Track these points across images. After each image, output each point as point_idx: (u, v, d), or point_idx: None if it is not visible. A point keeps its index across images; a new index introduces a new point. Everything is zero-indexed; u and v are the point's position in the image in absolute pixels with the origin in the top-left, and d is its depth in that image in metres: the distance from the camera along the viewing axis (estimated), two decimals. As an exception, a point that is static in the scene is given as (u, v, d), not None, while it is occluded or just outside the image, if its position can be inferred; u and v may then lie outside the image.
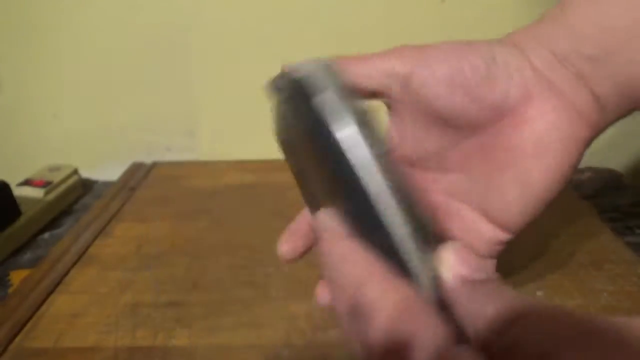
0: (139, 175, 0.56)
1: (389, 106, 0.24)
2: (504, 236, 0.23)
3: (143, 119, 0.59)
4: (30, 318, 0.33)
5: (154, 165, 0.59)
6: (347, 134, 0.16)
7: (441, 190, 0.25)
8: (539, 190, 0.22)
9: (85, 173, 0.58)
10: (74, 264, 0.40)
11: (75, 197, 0.54)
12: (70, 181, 0.54)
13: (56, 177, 0.52)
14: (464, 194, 0.24)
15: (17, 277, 0.40)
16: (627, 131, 0.56)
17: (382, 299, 0.14)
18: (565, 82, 0.22)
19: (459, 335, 0.13)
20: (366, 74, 0.22)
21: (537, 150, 0.21)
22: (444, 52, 0.22)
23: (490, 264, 0.24)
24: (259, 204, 0.48)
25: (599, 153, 0.56)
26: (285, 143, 0.20)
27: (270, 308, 0.34)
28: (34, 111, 0.59)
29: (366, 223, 0.16)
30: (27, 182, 0.50)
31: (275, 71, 0.21)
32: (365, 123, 0.16)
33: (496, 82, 0.21)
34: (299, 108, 0.17)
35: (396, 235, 0.15)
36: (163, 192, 0.53)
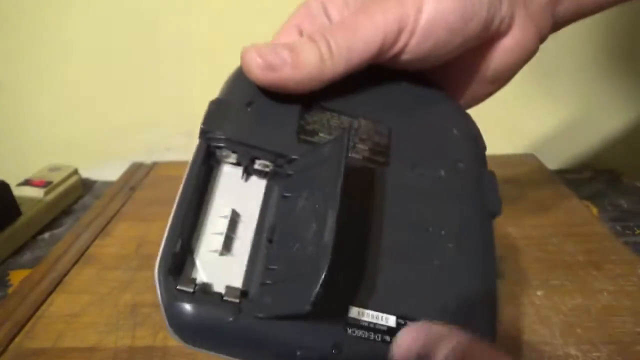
0: (139, 175, 0.56)
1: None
2: None
3: (143, 119, 0.59)
4: (30, 318, 0.33)
5: (154, 165, 0.59)
6: None
7: None
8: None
9: (85, 173, 0.58)
10: (74, 264, 0.40)
11: (75, 197, 0.54)
12: (70, 181, 0.54)
13: (56, 177, 0.52)
14: None
15: (17, 277, 0.40)
16: (627, 131, 0.56)
17: None
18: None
19: None
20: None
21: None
22: None
23: None
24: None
25: (599, 153, 0.57)
26: None
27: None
28: (34, 111, 0.59)
29: None
30: (27, 182, 0.50)
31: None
32: None
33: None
34: None
35: None
36: (163, 192, 0.52)
